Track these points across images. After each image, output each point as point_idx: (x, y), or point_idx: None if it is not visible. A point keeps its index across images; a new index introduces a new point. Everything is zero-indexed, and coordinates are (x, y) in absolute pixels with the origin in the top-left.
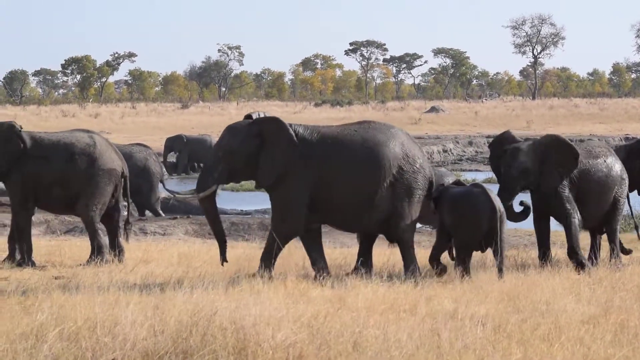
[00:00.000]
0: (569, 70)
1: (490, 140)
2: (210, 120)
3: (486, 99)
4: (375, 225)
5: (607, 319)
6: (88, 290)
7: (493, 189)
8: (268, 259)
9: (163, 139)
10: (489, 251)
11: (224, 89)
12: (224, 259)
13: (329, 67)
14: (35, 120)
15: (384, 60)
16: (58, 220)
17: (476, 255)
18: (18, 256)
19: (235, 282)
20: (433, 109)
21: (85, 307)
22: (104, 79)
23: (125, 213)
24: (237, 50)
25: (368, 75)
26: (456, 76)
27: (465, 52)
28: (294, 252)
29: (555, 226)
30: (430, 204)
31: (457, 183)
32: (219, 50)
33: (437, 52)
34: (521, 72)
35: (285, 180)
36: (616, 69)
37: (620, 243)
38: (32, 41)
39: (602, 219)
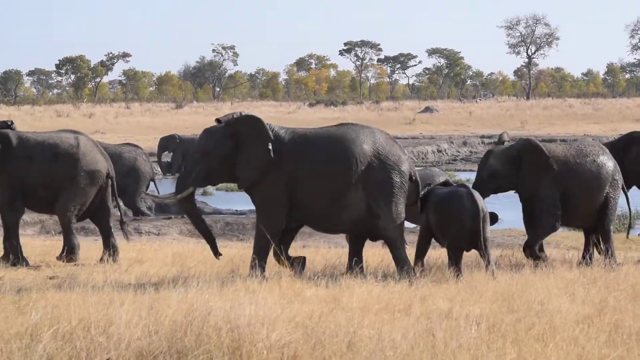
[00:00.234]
0: (563, 70)
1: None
2: (204, 120)
3: (480, 99)
4: (349, 225)
5: (602, 319)
6: (82, 290)
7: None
8: (262, 253)
9: (157, 139)
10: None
11: (218, 89)
12: (217, 253)
13: (323, 67)
14: (30, 120)
15: (378, 60)
16: (53, 220)
17: (472, 255)
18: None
19: (230, 282)
20: (427, 109)
21: (80, 307)
22: (98, 79)
23: (118, 213)
24: (232, 50)
25: (362, 75)
26: (450, 76)
27: (460, 52)
28: (289, 252)
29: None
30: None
31: (445, 184)
32: (213, 50)
33: (432, 52)
34: (515, 73)
35: (264, 179)
36: (610, 69)
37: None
38: (27, 41)
39: (595, 219)
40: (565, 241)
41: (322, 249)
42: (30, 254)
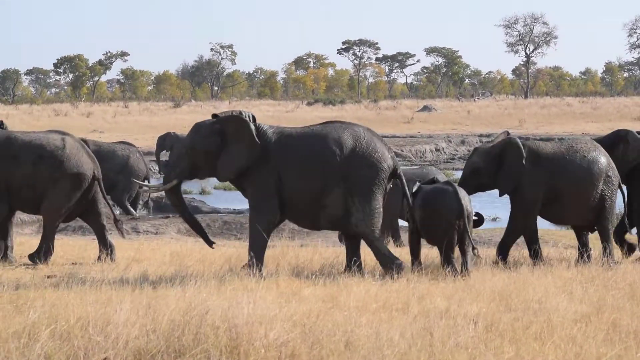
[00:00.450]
0: (562, 69)
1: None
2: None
3: (478, 98)
4: (332, 222)
5: (600, 318)
6: (80, 289)
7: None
8: (258, 250)
9: (155, 138)
10: (485, 250)
11: (216, 88)
12: (209, 242)
13: (322, 66)
14: (28, 119)
15: (377, 59)
16: None
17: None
18: (11, 255)
19: (228, 281)
20: (425, 108)
21: (78, 306)
22: (96, 78)
23: (113, 212)
24: (230, 49)
25: (360, 74)
26: (448, 75)
27: (458, 51)
28: (287, 251)
29: (549, 225)
30: (403, 201)
31: (432, 181)
32: (212, 49)
33: (430, 51)
34: (514, 71)
35: (253, 176)
36: (608, 68)
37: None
38: (25, 40)
39: (590, 217)
40: (563, 240)
41: (320, 247)
42: (28, 253)
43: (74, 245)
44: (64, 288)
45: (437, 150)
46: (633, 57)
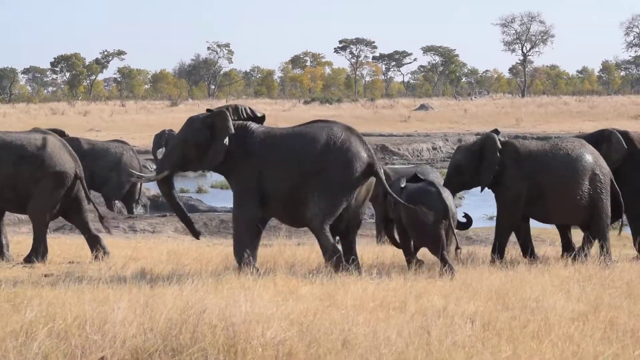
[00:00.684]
0: (559, 68)
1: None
2: None
3: (475, 97)
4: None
5: (597, 316)
6: (77, 287)
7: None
8: (241, 248)
9: (152, 136)
10: (484, 249)
11: (213, 87)
12: (195, 233)
13: (318, 65)
14: (25, 118)
15: (374, 58)
16: None
17: (467, 253)
18: (8, 253)
19: (225, 280)
20: (422, 107)
21: (75, 304)
22: (93, 77)
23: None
24: (227, 48)
25: (357, 73)
26: (445, 74)
27: (455, 49)
28: (284, 250)
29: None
30: (388, 199)
31: (415, 179)
32: (209, 48)
33: (427, 49)
34: (510, 70)
35: (238, 174)
36: (605, 67)
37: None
38: (21, 39)
39: (580, 216)
40: (560, 238)
41: (317, 246)
42: (25, 252)
43: (71, 244)
44: (61, 287)
45: (434, 149)
46: (630, 56)
